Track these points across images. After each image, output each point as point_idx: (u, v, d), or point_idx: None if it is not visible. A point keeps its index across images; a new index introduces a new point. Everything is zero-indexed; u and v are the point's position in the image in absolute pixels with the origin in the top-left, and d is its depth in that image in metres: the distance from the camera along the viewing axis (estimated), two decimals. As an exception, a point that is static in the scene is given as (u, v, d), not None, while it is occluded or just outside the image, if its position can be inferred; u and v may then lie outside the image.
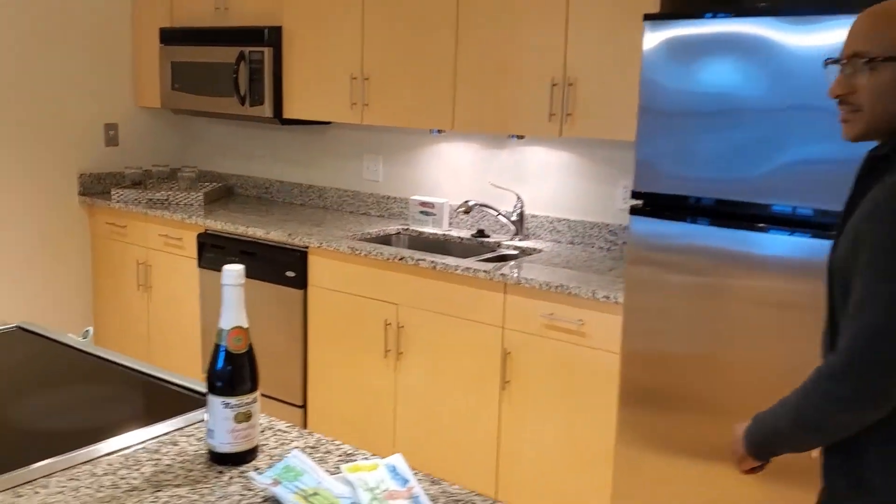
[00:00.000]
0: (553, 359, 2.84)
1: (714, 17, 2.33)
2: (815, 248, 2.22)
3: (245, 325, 1.36)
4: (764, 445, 1.49)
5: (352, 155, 4.17)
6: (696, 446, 2.49)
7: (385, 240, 3.70)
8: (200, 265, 3.88)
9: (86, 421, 1.51)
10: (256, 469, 1.33)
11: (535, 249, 3.39)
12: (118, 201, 4.22)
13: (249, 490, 1.27)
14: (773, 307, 2.30)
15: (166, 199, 4.21)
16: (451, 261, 3.08)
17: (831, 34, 2.14)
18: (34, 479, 1.27)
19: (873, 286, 1.30)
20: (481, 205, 3.54)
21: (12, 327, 2.01)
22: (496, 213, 3.56)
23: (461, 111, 3.32)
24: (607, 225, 3.40)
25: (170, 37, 4.25)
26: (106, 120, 4.51)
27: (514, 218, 3.54)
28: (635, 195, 2.55)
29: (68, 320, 4.38)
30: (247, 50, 3.90)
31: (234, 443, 1.34)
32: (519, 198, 3.54)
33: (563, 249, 3.38)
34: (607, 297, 2.67)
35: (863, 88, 1.40)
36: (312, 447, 1.42)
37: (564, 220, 3.50)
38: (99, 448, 1.37)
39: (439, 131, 3.73)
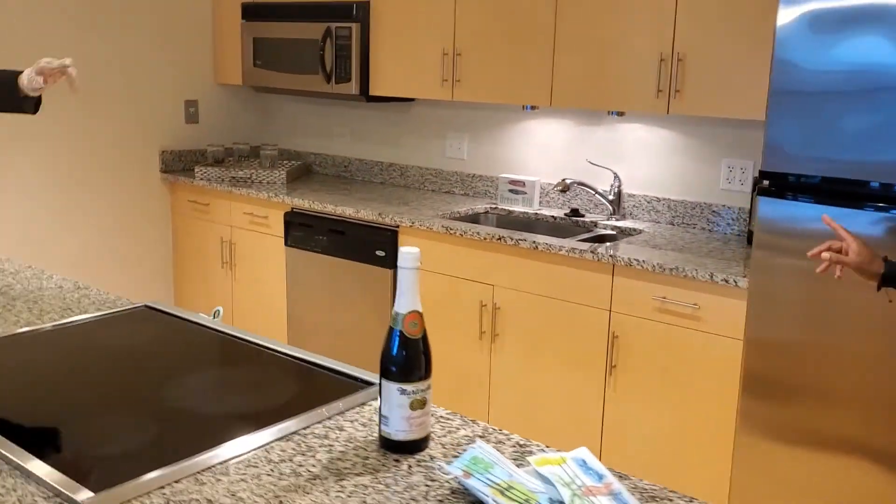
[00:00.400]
0: (665, 343, 2.76)
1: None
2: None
3: (420, 309, 1.30)
4: None
5: (435, 133, 4.10)
6: (822, 439, 2.40)
7: (473, 219, 3.63)
8: (287, 244, 3.85)
9: (244, 404, 1.47)
10: (431, 458, 1.28)
11: (634, 230, 3.30)
12: (202, 179, 4.21)
13: (433, 480, 1.21)
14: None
15: (249, 178, 4.19)
16: (553, 241, 3.00)
17: None
18: (212, 466, 1.23)
19: None
20: (578, 183, 3.44)
21: (140, 306, 1.99)
22: (593, 192, 3.47)
23: (560, 86, 3.22)
24: (709, 205, 3.28)
25: (252, 12, 4.20)
26: (186, 97, 4.50)
27: (610, 197, 3.44)
28: (763, 175, 2.43)
29: (150, 297, 4.40)
30: (334, 26, 3.84)
31: (409, 430, 1.29)
32: (616, 176, 3.44)
33: (663, 230, 3.27)
34: (726, 281, 2.57)
35: None
36: (480, 436, 1.37)
37: (664, 199, 3.39)
38: (268, 433, 1.33)
39: (532, 108, 3.64)
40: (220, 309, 1.95)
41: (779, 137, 2.37)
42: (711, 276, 2.60)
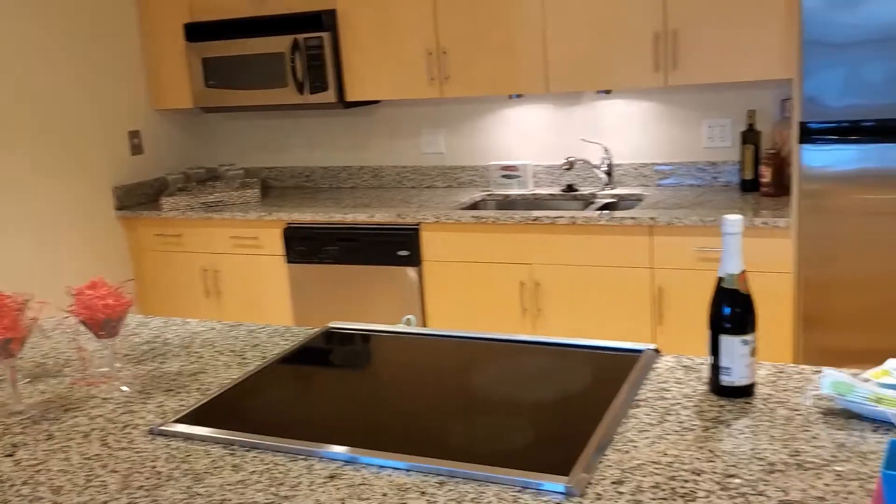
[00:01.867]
0: (708, 287, 3.08)
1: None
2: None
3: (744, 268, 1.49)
4: None
5: (407, 132, 4.21)
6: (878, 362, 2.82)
7: (473, 207, 3.80)
8: (290, 261, 3.83)
9: (575, 392, 1.60)
10: (769, 395, 1.48)
11: (633, 195, 3.60)
12: (172, 210, 4.07)
13: (795, 410, 1.42)
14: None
15: (220, 201, 4.10)
16: (589, 213, 3.25)
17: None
18: (616, 438, 1.37)
19: None
20: (581, 160, 3.70)
21: (322, 330, 2.02)
22: (591, 166, 3.74)
23: (556, 72, 3.45)
24: (695, 163, 3.65)
25: (198, 32, 4.10)
26: (128, 128, 4.30)
27: (604, 168, 3.73)
28: (802, 126, 2.80)
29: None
30: (301, 37, 3.84)
31: (750, 376, 1.48)
32: (606, 150, 3.73)
33: (660, 192, 3.61)
34: (765, 224, 2.93)
35: None
36: (781, 372, 1.58)
37: (650, 164, 3.73)
38: (618, 404, 1.47)
39: (518, 96, 3.85)
40: (413, 317, 2.02)
41: (814, 90, 2.74)
42: (752, 222, 2.95)
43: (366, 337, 1.98)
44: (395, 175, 4.27)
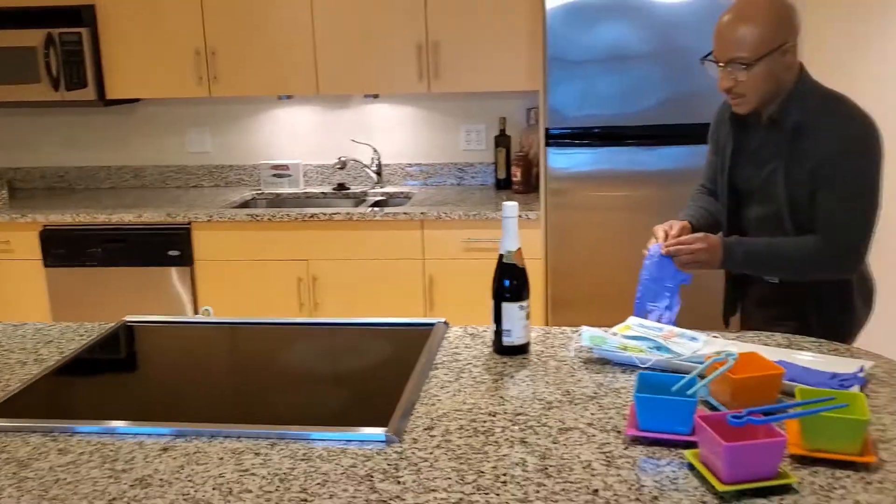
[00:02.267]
0: (475, 274, 3.40)
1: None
2: (686, 155, 3.10)
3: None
4: (743, 263, 1.94)
5: (169, 130, 4.14)
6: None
7: (244, 205, 3.85)
8: (48, 265, 3.63)
9: (384, 359, 1.77)
10: (541, 352, 1.77)
11: (401, 193, 3.86)
12: None
13: (562, 360, 1.71)
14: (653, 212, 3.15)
15: (-40, 204, 3.78)
16: (364, 210, 3.44)
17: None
18: (429, 386, 1.57)
19: (853, 208, 1.85)
20: (352, 159, 3.89)
21: (118, 324, 2.03)
22: (362, 165, 3.94)
23: (325, 75, 3.62)
24: (455, 164, 3.99)
25: (-69, 20, 3.74)
26: None
27: (374, 168, 3.95)
28: (547, 132, 3.20)
29: None
30: (56, 32, 3.66)
31: (526, 336, 1.75)
32: (375, 150, 3.95)
33: (425, 190, 3.90)
34: (519, 216, 3.29)
35: (743, 83, 1.85)
36: (549, 333, 1.88)
37: (415, 164, 4.01)
38: (417, 371, 1.68)
39: (288, 97, 3.95)
40: (210, 308, 2.09)
41: (557, 100, 3.15)
42: (508, 215, 3.31)
43: (165, 328, 2.02)
44: (158, 175, 4.19)
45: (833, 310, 1.99)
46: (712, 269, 1.96)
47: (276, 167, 3.99)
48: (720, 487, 1.18)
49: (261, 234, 3.50)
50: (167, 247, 3.55)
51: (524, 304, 1.74)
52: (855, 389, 1.46)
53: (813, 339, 1.83)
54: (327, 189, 4.00)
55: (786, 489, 1.20)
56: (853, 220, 1.88)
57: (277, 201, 3.96)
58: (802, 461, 1.28)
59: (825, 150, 1.86)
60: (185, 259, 3.55)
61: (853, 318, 2.01)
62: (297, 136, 4.06)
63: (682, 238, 1.96)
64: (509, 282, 1.73)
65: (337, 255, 3.47)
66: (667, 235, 1.99)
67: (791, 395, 1.42)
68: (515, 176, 3.69)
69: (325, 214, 3.43)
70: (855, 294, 2.00)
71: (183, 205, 3.70)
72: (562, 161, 3.23)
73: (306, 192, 3.96)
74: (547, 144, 3.23)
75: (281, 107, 4.03)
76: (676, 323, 1.87)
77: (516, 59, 3.49)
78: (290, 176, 3.99)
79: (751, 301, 2.15)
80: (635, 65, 3.10)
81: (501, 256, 1.74)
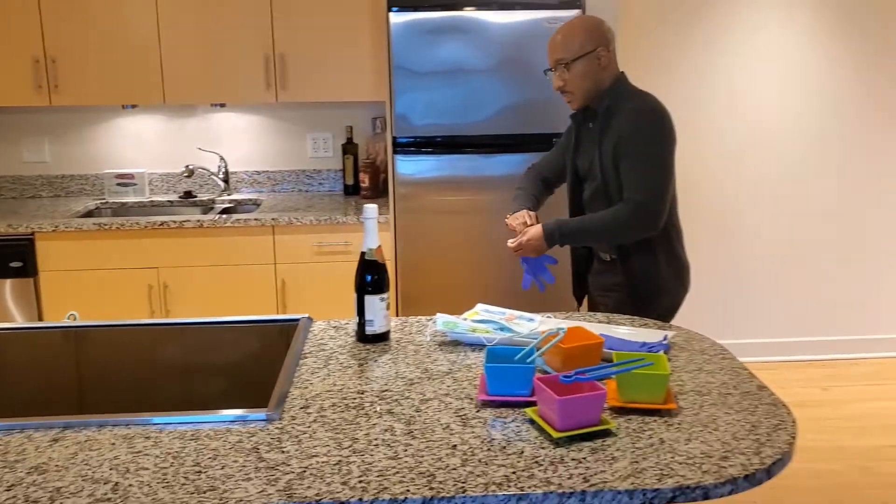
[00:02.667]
0: (327, 276, 3.56)
1: (440, 7, 3.31)
2: (522, 163, 3.42)
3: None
4: (568, 236, 2.32)
5: (4, 139, 4.01)
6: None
7: (88, 215, 3.81)
8: None
9: (258, 351, 1.90)
10: (400, 339, 1.97)
11: (250, 200, 3.96)
12: None
13: (419, 344, 1.92)
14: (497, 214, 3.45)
15: None
16: (215, 217, 3.51)
17: (517, 16, 3.32)
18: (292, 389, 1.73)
19: (642, 170, 2.25)
20: (200, 167, 3.93)
21: (-17, 331, 2.04)
22: (209, 174, 3.99)
23: (172, 85, 3.66)
24: (302, 171, 4.13)
25: None
26: None
27: (221, 176, 4.01)
28: (394, 140, 3.41)
29: None
30: None
31: (386, 325, 1.95)
32: (223, 158, 4.02)
33: (274, 196, 4.01)
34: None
35: (568, 81, 2.37)
36: (406, 322, 2.09)
37: (263, 171, 4.11)
38: (288, 360, 1.84)
39: (133, 106, 3.93)
40: (76, 313, 2.15)
41: (402, 110, 3.37)
42: (358, 219, 3.50)
43: (33, 333, 2.05)
44: (-8, 185, 4.04)
45: (645, 283, 2.36)
46: (550, 248, 2.38)
47: (120, 176, 3.97)
48: (555, 434, 1.43)
49: (109, 244, 3.49)
50: (8, 258, 3.46)
51: (384, 296, 1.94)
52: (660, 353, 1.77)
53: (628, 316, 2.15)
54: (174, 197, 4.02)
55: (607, 433, 1.47)
56: (645, 181, 2.26)
57: (122, 210, 3.93)
58: (620, 411, 1.56)
59: (624, 126, 2.29)
60: (29, 270, 3.47)
61: (665, 292, 2.37)
62: (142, 145, 4.05)
63: (517, 238, 2.38)
64: (371, 276, 1.92)
65: (188, 262, 3.52)
66: (526, 224, 2.39)
67: (610, 360, 1.70)
68: (364, 182, 3.88)
69: (174, 222, 3.47)
70: (662, 270, 2.36)
71: (23, 215, 3.61)
72: (408, 167, 3.45)
73: (152, 201, 3.96)
74: (394, 152, 3.45)
75: (124, 115, 4.01)
76: (548, 289, 2.45)
77: (363, 71, 3.68)
78: (135, 185, 3.97)
79: (591, 277, 2.54)
80: (474, 78, 3.38)
81: (363, 254, 1.93)
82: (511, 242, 2.39)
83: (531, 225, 2.38)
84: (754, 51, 4.02)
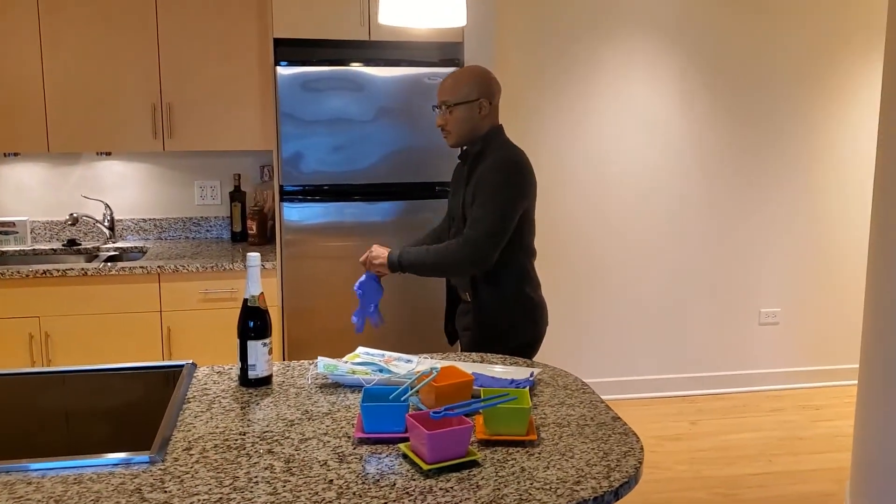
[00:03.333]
0: (213, 324, 3.59)
1: (325, 62, 3.46)
2: (403, 210, 3.56)
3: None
4: (408, 266, 2.47)
5: None
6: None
7: (-36, 265, 3.72)
8: None
9: (142, 396, 1.93)
10: (282, 382, 2.05)
11: (136, 248, 3.94)
12: None
13: (300, 387, 2.01)
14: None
15: None
16: (100, 265, 3.49)
17: (401, 71, 3.48)
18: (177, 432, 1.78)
19: (483, 210, 2.43)
20: (84, 215, 3.89)
21: None
22: (94, 221, 3.95)
23: (56, 133, 3.64)
24: (190, 218, 4.15)
25: None
26: None
27: (106, 223, 3.98)
28: (281, 188, 3.50)
29: None
30: None
31: (268, 369, 2.03)
32: (108, 206, 4.00)
33: (160, 244, 4.01)
34: (262, 265, 3.55)
35: (449, 121, 2.57)
36: (289, 366, 2.17)
37: (150, 219, 4.11)
38: (172, 404, 1.89)
39: (15, 154, 3.87)
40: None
41: (289, 159, 3.47)
42: (243, 266, 3.54)
43: None
44: None
45: (490, 327, 2.53)
46: (392, 273, 2.54)
47: (1, 224, 3.88)
48: (425, 467, 1.55)
49: (-14, 292, 3.41)
50: None
51: (266, 341, 2.02)
52: (524, 389, 1.93)
53: (500, 355, 2.30)
54: (57, 245, 3.96)
55: (473, 463, 1.60)
56: (481, 221, 2.42)
57: (3, 259, 3.85)
58: (486, 444, 1.69)
59: (484, 172, 2.47)
60: None
61: (512, 334, 2.52)
62: (24, 193, 3.99)
63: (369, 254, 2.56)
64: (253, 322, 2.01)
65: (71, 310, 3.48)
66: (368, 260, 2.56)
67: (479, 396, 1.84)
68: (251, 229, 3.94)
69: (58, 270, 3.43)
70: (509, 313, 2.52)
71: None
72: (295, 214, 3.55)
73: (34, 249, 3.89)
74: (282, 199, 3.53)
75: (5, 163, 3.95)
76: (382, 322, 2.56)
77: (250, 121, 3.77)
78: (16, 233, 3.90)
79: (456, 317, 2.69)
80: (359, 128, 3.53)
81: (246, 301, 2.01)
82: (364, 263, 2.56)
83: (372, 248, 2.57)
84: (623, 111, 4.34)
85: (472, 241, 2.41)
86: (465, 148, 2.58)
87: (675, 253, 4.53)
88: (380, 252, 2.54)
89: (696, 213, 4.51)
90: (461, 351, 2.63)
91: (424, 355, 2.23)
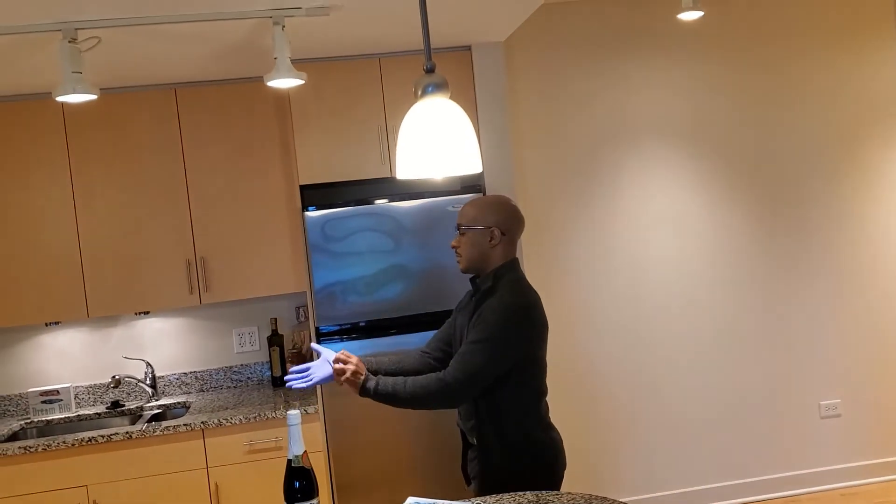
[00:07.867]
0: (259, 473, 3.53)
1: (351, 203, 3.52)
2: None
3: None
4: (380, 395, 2.37)
5: (-80, 368, 3.95)
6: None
7: (13, 437, 3.72)
8: None
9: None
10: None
11: (180, 403, 3.94)
12: None
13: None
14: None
15: None
16: (143, 426, 3.48)
17: (419, 205, 3.54)
18: None
19: (472, 348, 2.38)
20: (126, 376, 3.92)
21: None
22: (136, 381, 3.97)
23: (95, 298, 3.71)
24: (230, 367, 4.16)
25: None
26: None
27: (148, 382, 4.00)
28: (317, 329, 3.50)
29: None
30: None
31: (318, 531, 1.97)
32: (149, 364, 4.03)
33: (202, 397, 4.01)
34: (303, 411, 3.51)
35: (461, 244, 2.57)
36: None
37: (191, 372, 4.12)
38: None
39: (56, 323, 3.95)
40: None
41: (322, 301, 3.49)
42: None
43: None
44: None
45: (501, 471, 2.43)
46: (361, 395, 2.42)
47: (44, 393, 3.92)
48: None
49: (34, 466, 3.40)
50: (-76, 494, 3.33)
51: (314, 501, 1.97)
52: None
53: (555, 491, 2.21)
54: (101, 409, 3.98)
55: None
56: (463, 361, 2.36)
57: (48, 429, 3.86)
58: None
59: (486, 311, 2.40)
60: (-54, 504, 3.34)
61: (527, 478, 2.41)
62: (66, 359, 4.04)
63: (353, 361, 2.43)
64: (299, 483, 1.96)
65: (118, 475, 3.45)
66: (345, 357, 2.44)
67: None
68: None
69: (102, 437, 3.43)
70: (521, 458, 2.42)
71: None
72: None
73: (79, 415, 3.91)
74: (317, 340, 3.53)
75: (47, 332, 4.02)
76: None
77: (282, 264, 3.82)
78: (60, 400, 3.92)
79: (468, 462, 2.58)
80: (387, 260, 3.55)
81: (290, 461, 1.98)
82: (342, 357, 2.43)
83: (357, 363, 2.43)
84: (646, 216, 4.34)
85: (452, 380, 2.35)
86: (477, 279, 2.54)
87: (726, 357, 4.42)
88: (360, 369, 2.41)
89: (739, 320, 4.42)
90: (475, 497, 2.49)
91: (476, 499, 2.15)
